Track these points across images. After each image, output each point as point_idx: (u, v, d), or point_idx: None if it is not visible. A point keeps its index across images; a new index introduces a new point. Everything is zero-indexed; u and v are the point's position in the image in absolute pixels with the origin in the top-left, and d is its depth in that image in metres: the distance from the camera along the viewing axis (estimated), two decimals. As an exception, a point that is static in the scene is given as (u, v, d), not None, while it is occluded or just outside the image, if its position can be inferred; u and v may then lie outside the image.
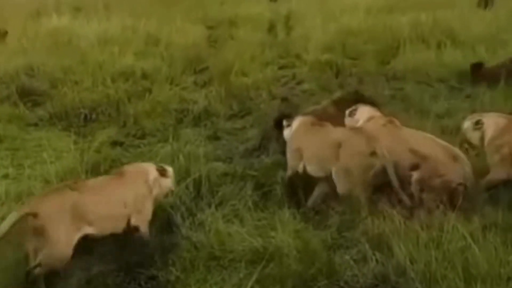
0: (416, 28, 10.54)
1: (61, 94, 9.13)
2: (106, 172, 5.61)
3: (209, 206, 5.16)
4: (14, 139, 7.71)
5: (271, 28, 12.60)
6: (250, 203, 5.17)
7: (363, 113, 5.81)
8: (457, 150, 5.10)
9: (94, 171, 6.01)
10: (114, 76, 9.82)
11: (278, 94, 8.78)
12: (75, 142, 7.22)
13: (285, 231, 4.57)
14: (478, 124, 5.43)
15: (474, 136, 5.46)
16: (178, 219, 4.99)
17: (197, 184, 5.58)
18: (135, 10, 16.72)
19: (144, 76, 10.02)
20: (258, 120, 7.74)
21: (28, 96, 9.37)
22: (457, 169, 4.92)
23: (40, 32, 13.61)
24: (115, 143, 7.33)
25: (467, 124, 5.57)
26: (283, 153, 5.91)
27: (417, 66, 8.91)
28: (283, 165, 5.81)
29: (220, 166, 6.31)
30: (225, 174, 6.06)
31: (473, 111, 6.93)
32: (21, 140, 7.70)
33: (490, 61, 8.55)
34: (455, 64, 8.72)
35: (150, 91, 9.11)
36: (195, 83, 9.76)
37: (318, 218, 5.00)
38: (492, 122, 5.38)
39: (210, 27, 14.32)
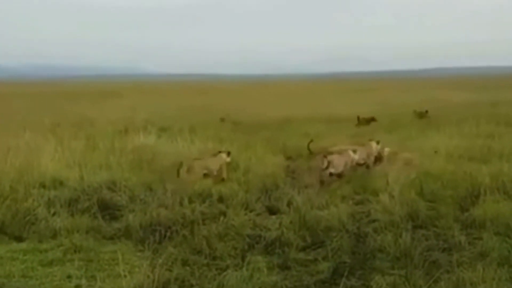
0: (497, 178, 10.38)
1: (139, 209, 9.43)
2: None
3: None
4: (90, 250, 7.89)
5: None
6: None
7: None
8: None
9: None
10: (192, 197, 10.11)
11: (352, 229, 8.68)
12: (148, 258, 7.35)
13: None
14: None
15: None
16: None
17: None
18: (218, 136, 17.38)
19: (221, 199, 10.25)
20: (330, 254, 7.64)
21: (107, 209, 9.76)
22: None
23: (126, 148, 14.26)
24: (186, 263, 7.35)
25: None
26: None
27: (497, 217, 8.68)
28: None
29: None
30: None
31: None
32: (96, 252, 7.87)
33: None
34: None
35: (225, 214, 9.27)
36: (269, 210, 9.84)
37: None
38: None
39: (289, 158, 14.60)
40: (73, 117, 26.18)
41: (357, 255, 7.67)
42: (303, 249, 7.95)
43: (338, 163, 11.82)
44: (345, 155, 12.12)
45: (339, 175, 11.85)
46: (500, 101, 35.15)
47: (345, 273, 6.95)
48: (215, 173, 11.77)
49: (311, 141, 13.36)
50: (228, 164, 12.17)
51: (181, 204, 9.68)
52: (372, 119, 22.79)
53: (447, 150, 13.55)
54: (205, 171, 11.66)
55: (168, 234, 8.42)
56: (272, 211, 9.85)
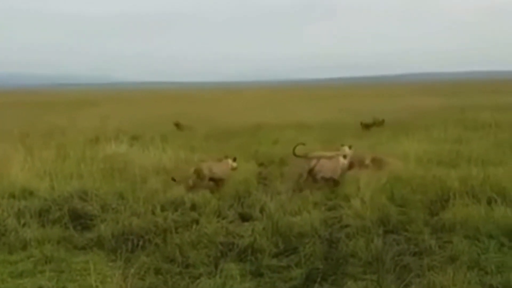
0: (466, 182, 10.54)
1: (110, 219, 9.38)
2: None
3: None
4: (61, 261, 7.80)
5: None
6: None
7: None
8: None
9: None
10: (164, 205, 10.08)
11: (324, 235, 8.74)
12: (120, 268, 7.32)
13: None
14: None
15: None
16: None
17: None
18: (190, 144, 17.36)
19: (193, 207, 10.24)
20: (303, 260, 7.69)
21: (78, 219, 9.68)
22: None
23: (98, 157, 14.18)
24: (159, 272, 7.33)
25: None
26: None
27: (466, 220, 8.82)
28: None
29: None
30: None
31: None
32: (68, 262, 7.77)
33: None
34: (505, 222, 8.58)
35: (197, 222, 9.27)
36: (242, 217, 9.86)
37: None
38: None
39: (261, 164, 14.66)
40: (44, 126, 25.91)
41: (329, 260, 7.71)
42: (276, 255, 7.97)
43: (328, 167, 12.04)
44: (335, 160, 12.28)
45: (329, 180, 12.05)
46: (468, 106, 35.72)
47: (318, 279, 7.00)
48: (223, 177, 12.02)
49: (298, 144, 13.45)
50: (234, 169, 12.38)
51: (153, 212, 9.65)
52: (375, 123, 23.03)
53: (417, 155, 13.71)
54: (211, 175, 11.94)
55: (140, 243, 8.38)
56: (244, 218, 9.86)
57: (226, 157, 12.59)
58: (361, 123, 23.46)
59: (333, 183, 11.92)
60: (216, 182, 11.96)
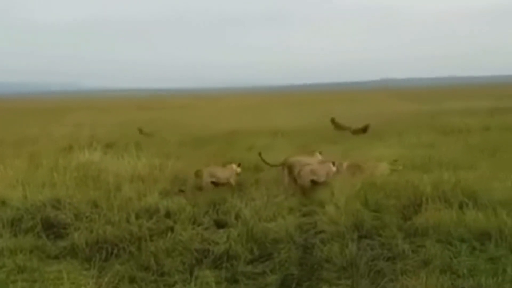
0: (438, 187, 10.67)
1: (84, 227, 9.31)
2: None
3: None
4: (34, 271, 7.72)
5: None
6: None
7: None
8: None
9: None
10: (139, 213, 10.03)
11: (299, 241, 8.77)
12: (94, 277, 7.27)
13: None
14: None
15: None
16: None
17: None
18: (165, 151, 17.30)
19: (168, 214, 10.19)
20: (278, 266, 7.72)
21: (52, 228, 9.60)
22: None
23: (71, 166, 14.05)
24: (133, 281, 7.30)
25: None
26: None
27: (438, 224, 8.92)
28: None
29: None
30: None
31: (495, 275, 6.93)
32: (41, 272, 7.69)
33: (511, 225, 8.52)
34: (477, 225, 8.70)
35: (172, 229, 9.24)
36: (217, 224, 9.85)
37: None
38: None
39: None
40: (15, 135, 25.60)
41: (304, 266, 7.76)
42: (251, 262, 7.98)
43: (320, 172, 12.45)
44: (326, 166, 12.70)
45: (321, 184, 12.32)
46: (439, 111, 36.15)
47: (293, 285, 7.06)
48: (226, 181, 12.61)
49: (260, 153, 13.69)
50: (238, 175, 12.93)
51: (127, 220, 9.58)
52: (366, 128, 23.18)
53: (390, 160, 13.83)
54: (213, 179, 12.51)
55: (114, 251, 8.34)
56: (220, 224, 9.85)
57: (230, 163, 13.18)
58: (351, 129, 23.61)
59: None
60: (222, 186, 12.42)
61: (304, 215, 10.45)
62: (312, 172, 12.39)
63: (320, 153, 13.79)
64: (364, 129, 23.24)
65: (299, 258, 8.00)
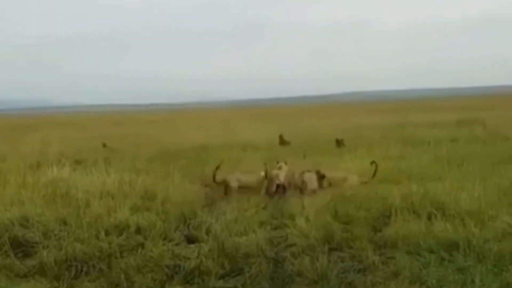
0: (407, 198, 10.80)
1: (53, 245, 9.19)
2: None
3: None
4: (2, 290, 7.63)
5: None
6: None
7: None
8: None
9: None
10: (108, 229, 9.93)
11: (270, 255, 8.79)
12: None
13: None
14: None
15: None
16: None
17: None
18: (134, 166, 17.17)
19: (138, 230, 10.09)
20: (249, 280, 7.72)
21: (20, 246, 9.44)
22: None
23: (39, 183, 13.85)
24: (104, 298, 7.25)
25: None
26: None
27: (407, 236, 9.03)
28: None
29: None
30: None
31: (463, 285, 7.04)
32: (9, 291, 7.61)
33: (479, 235, 8.68)
34: (445, 236, 8.83)
35: (143, 246, 9.18)
36: (188, 239, 9.82)
37: None
38: None
39: (206, 185, 14.62)
40: (-19, 152, 25.16)
41: (275, 280, 7.78)
42: (223, 277, 7.98)
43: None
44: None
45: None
46: (407, 123, 36.62)
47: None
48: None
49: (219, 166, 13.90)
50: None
51: (97, 237, 9.49)
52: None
53: (360, 172, 13.95)
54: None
55: (84, 268, 8.26)
56: (191, 240, 9.81)
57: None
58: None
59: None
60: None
61: (275, 228, 10.46)
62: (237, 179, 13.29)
63: (286, 163, 13.99)
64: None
65: (270, 272, 8.03)
